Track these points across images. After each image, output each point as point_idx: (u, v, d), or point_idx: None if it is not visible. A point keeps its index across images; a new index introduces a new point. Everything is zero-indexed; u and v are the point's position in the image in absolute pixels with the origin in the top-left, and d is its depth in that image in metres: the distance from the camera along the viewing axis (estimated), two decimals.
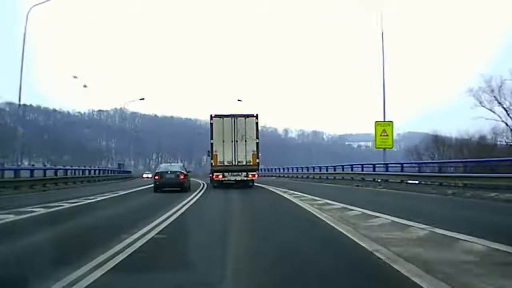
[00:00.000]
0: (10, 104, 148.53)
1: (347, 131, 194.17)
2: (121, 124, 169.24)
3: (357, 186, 26.11)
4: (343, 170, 31.71)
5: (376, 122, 28.04)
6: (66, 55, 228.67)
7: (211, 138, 24.92)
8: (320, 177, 34.86)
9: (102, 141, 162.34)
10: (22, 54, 26.25)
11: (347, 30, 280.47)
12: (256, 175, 25.85)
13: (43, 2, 26.84)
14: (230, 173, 24.99)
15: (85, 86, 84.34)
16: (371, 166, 28.65)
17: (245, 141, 24.79)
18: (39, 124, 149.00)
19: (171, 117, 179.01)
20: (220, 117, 25.12)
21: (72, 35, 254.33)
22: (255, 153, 24.94)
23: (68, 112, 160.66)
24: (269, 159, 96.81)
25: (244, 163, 24.88)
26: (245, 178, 25.09)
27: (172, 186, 21.93)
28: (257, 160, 25.17)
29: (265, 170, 58.78)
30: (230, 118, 25.10)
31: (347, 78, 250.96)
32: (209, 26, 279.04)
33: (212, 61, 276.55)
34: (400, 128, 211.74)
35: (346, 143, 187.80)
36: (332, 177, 32.35)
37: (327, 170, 35.03)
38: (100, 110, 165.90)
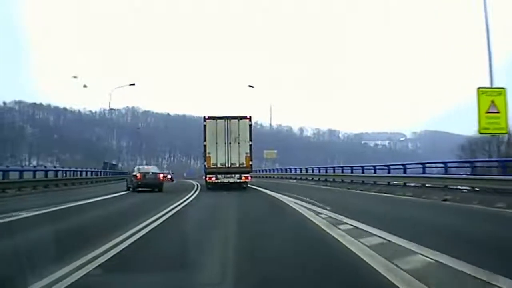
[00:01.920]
0: (19, 102, 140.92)
1: (363, 129, 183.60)
2: (133, 123, 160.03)
3: (445, 200, 14.70)
4: (405, 172, 20.02)
5: (479, 89, 15.81)
6: (76, 54, 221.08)
7: (204, 140, 24.09)
8: (363, 181, 23.28)
9: (113, 140, 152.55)
10: None
11: (362, 26, 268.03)
12: (250, 177, 25.03)
13: None
14: (223, 175, 24.00)
15: (85, 86, 78.49)
16: (469, 164, 16.94)
17: (238, 143, 23.89)
18: (49, 123, 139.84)
19: (184, 115, 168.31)
20: (214, 119, 24.35)
21: (83, 33, 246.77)
22: (248, 155, 23.93)
23: (79, 111, 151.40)
24: (284, 159, 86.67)
25: (237, 165, 23.87)
26: (238, 180, 24.13)
27: (151, 187, 22.38)
28: (250, 162, 24.14)
29: (280, 171, 47.31)
30: (223, 120, 24.23)
31: (363, 76, 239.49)
32: (222, 23, 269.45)
33: (226, 60, 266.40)
34: (416, 126, 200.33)
35: (362, 142, 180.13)
36: (386, 182, 20.80)
37: (375, 172, 23.32)
38: (111, 109, 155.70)
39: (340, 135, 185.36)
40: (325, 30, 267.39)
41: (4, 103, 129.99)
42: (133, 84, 44.80)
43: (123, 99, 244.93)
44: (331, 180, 28.31)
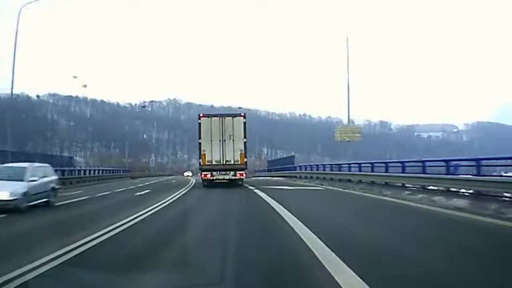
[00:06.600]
0: (53, 95, 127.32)
1: (415, 121, 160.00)
2: (174, 115, 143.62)
3: None
4: None
5: None
6: (113, 46, 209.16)
7: (199, 138, 23.03)
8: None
9: (152, 133, 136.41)
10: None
11: (417, 19, 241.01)
12: (244, 174, 23.72)
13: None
14: (218, 172, 23.00)
15: (84, 86, 66.31)
16: None
17: (233, 140, 22.90)
18: (85, 116, 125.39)
19: (229, 107, 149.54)
20: (208, 117, 23.50)
21: (122, 26, 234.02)
22: (243, 152, 22.97)
23: (118, 103, 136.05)
24: (334, 152, 67.47)
25: (232, 162, 22.94)
26: (233, 177, 23.11)
27: None
28: (245, 159, 23.22)
29: (351, 168, 26.06)
30: (218, 118, 23.31)
31: (412, 66, 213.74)
32: (272, 15, 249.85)
33: (275, 49, 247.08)
34: (467, 117, 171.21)
35: (415, 133, 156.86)
36: None
37: None
38: (152, 101, 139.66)
39: (392, 126, 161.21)
40: (379, 21, 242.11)
41: (38, 96, 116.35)
42: None
43: (164, 90, 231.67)
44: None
